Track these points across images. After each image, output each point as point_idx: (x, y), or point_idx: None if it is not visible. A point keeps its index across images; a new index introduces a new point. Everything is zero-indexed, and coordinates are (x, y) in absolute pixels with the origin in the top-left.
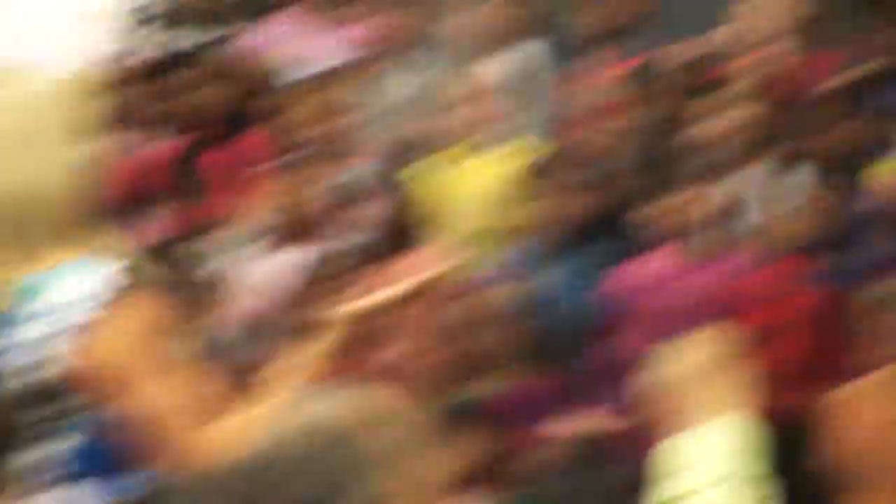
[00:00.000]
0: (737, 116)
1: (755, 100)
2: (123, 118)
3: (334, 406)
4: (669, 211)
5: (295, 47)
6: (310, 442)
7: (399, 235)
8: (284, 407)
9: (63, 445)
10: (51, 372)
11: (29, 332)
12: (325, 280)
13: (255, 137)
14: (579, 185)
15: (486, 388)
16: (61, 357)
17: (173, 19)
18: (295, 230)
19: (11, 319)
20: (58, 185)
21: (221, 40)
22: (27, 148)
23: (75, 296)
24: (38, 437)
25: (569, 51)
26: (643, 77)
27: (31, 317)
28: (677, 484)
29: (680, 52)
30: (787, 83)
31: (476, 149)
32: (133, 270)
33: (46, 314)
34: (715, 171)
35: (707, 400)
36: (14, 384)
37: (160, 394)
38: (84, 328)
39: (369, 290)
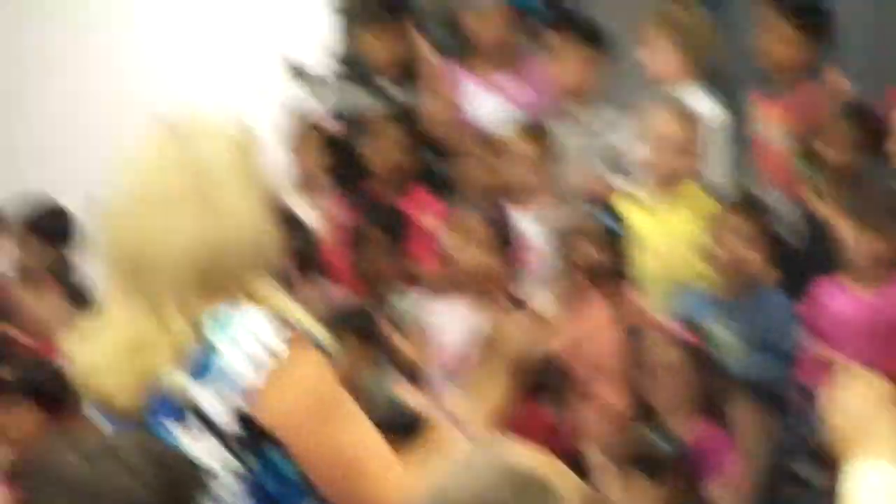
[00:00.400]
0: None
1: None
2: (310, 173)
3: (522, 455)
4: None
5: (481, 100)
6: (513, 485)
7: (597, 279)
8: (467, 455)
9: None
10: (230, 422)
11: (214, 381)
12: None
13: (424, 192)
14: (764, 230)
15: (668, 434)
16: (242, 405)
17: (360, 77)
18: (478, 282)
19: (195, 368)
20: (246, 237)
21: (408, 98)
22: (220, 198)
23: (250, 347)
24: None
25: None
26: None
27: (211, 369)
28: None
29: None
30: None
31: (671, 191)
32: (297, 324)
33: (226, 366)
34: None
35: (873, 438)
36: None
37: (350, 441)
38: (261, 379)
39: (563, 338)
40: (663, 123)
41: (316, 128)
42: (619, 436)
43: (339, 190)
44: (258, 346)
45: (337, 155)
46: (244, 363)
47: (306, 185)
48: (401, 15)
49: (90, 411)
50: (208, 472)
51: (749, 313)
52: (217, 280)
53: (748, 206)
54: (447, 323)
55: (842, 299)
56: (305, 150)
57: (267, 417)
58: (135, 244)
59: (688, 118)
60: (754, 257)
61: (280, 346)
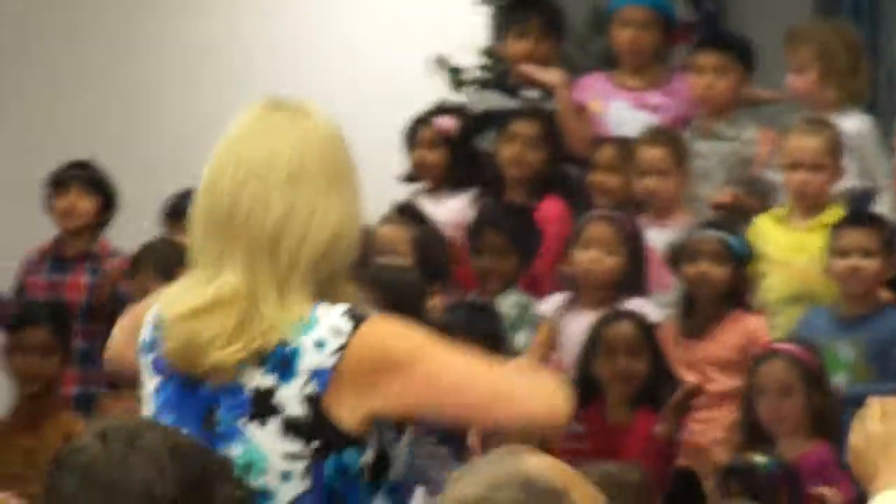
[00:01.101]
0: None
1: None
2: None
3: (548, 464)
4: None
5: (623, 111)
6: (528, 490)
7: (714, 298)
8: (499, 458)
9: None
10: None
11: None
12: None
13: (556, 199)
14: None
15: (775, 454)
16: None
17: (494, 81)
18: (601, 289)
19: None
20: (352, 230)
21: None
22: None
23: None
24: None
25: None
26: None
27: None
28: None
29: None
30: None
31: (811, 210)
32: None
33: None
34: None
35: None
36: None
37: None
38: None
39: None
40: (801, 141)
41: (439, 126)
42: (728, 456)
43: (465, 189)
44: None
45: (461, 154)
46: (325, 360)
47: (434, 183)
48: (545, 17)
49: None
50: (232, 465)
51: (870, 331)
52: (328, 268)
53: (864, 218)
54: (574, 332)
55: None
56: (430, 148)
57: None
58: (276, 216)
59: (828, 136)
60: (872, 270)
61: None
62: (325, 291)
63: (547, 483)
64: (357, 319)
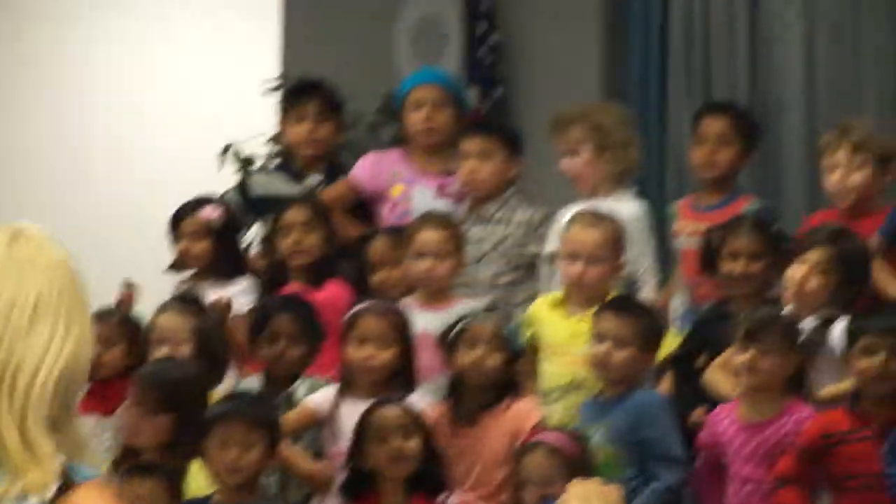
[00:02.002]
0: None
1: None
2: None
3: None
4: None
5: (417, 192)
6: None
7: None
8: None
9: None
10: None
11: None
12: None
13: (341, 285)
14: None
15: None
16: None
17: (279, 167)
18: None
19: None
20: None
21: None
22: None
23: None
24: None
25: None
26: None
27: None
28: None
29: None
30: None
31: (589, 297)
32: None
33: None
34: None
35: None
36: None
37: None
38: None
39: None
40: (580, 233)
41: (203, 216)
42: None
43: (242, 277)
44: None
45: (227, 242)
46: None
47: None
48: (322, 100)
49: None
50: None
51: (613, 416)
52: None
53: (622, 306)
54: (348, 424)
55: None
56: (194, 239)
57: None
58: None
59: (609, 228)
60: (622, 358)
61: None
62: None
63: None
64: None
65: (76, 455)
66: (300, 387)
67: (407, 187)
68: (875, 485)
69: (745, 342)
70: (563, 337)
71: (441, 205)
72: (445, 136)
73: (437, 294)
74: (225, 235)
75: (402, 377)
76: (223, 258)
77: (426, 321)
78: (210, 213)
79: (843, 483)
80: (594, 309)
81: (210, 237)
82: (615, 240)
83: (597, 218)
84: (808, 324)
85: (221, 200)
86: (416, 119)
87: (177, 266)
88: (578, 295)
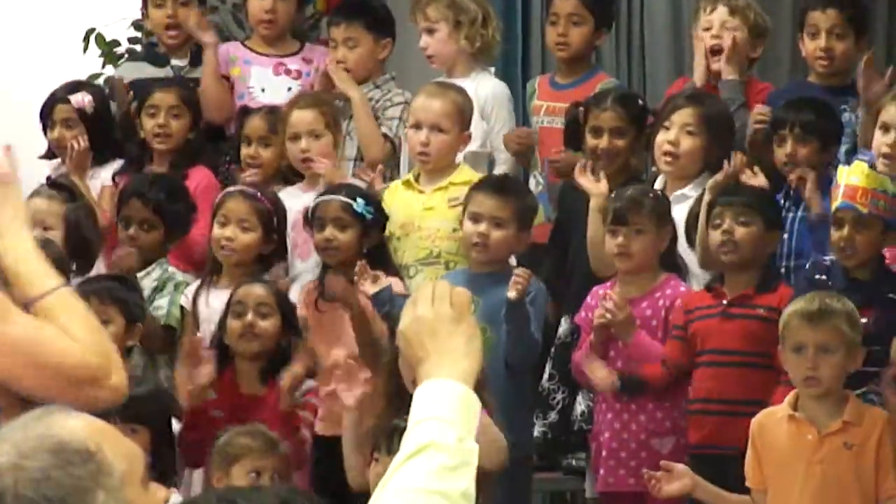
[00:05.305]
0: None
1: None
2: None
3: (81, 424)
4: None
5: (256, 77)
6: (55, 452)
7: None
8: (29, 421)
9: None
10: None
11: None
12: None
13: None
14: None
15: None
16: None
17: (143, 53)
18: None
19: None
20: None
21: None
22: None
23: None
24: None
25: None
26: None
27: None
28: None
29: None
30: None
31: (439, 171)
32: None
33: None
34: None
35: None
36: None
37: None
38: None
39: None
40: (424, 102)
41: (72, 101)
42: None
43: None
44: None
45: (97, 128)
46: None
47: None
48: None
49: None
50: None
51: (487, 294)
52: None
53: (499, 186)
54: (216, 309)
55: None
56: (67, 126)
57: None
58: None
59: (452, 99)
60: (499, 238)
61: None
62: None
63: (79, 444)
64: None
65: None
66: (149, 275)
67: (244, 68)
68: (723, 361)
69: (616, 225)
70: (417, 211)
71: (281, 81)
72: (284, 27)
73: (315, 174)
74: (97, 121)
75: (266, 263)
76: (96, 143)
77: (304, 201)
78: (81, 99)
79: (697, 358)
80: (444, 183)
81: (83, 124)
82: (459, 111)
83: (441, 88)
84: (688, 193)
85: (91, 85)
86: (257, 9)
87: (50, 154)
88: (426, 168)
